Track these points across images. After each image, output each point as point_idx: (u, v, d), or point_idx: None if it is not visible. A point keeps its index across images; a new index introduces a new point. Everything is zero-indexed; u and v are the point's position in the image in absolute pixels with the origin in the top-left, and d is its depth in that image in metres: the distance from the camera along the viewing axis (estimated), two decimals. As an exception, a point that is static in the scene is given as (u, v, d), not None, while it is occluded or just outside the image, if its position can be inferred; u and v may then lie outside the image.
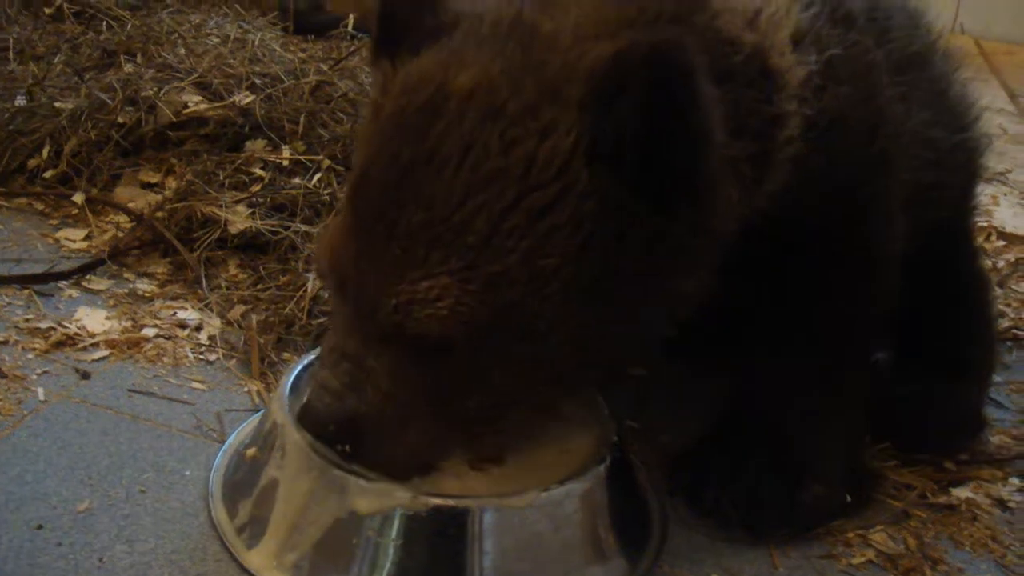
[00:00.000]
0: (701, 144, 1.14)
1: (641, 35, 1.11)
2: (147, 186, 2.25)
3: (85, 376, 1.69)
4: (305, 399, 1.30)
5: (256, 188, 2.13)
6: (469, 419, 1.28)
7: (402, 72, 1.23)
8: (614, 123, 1.11)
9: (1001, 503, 1.60)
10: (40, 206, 2.22)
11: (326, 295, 1.92)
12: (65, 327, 1.80)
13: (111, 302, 1.90)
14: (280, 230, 2.03)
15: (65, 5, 2.98)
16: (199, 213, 2.05)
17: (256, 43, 2.58)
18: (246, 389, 1.71)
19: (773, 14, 1.26)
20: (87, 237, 2.12)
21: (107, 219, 2.18)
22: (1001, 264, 2.40)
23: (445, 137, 1.15)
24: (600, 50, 1.14)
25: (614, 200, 1.15)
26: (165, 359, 1.76)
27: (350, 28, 3.07)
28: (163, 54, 2.51)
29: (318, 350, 1.54)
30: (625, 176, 1.14)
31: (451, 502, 1.27)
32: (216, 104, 2.31)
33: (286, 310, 1.87)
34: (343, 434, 1.26)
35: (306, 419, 1.28)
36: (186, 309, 1.89)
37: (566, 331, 1.20)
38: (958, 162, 1.66)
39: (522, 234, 1.15)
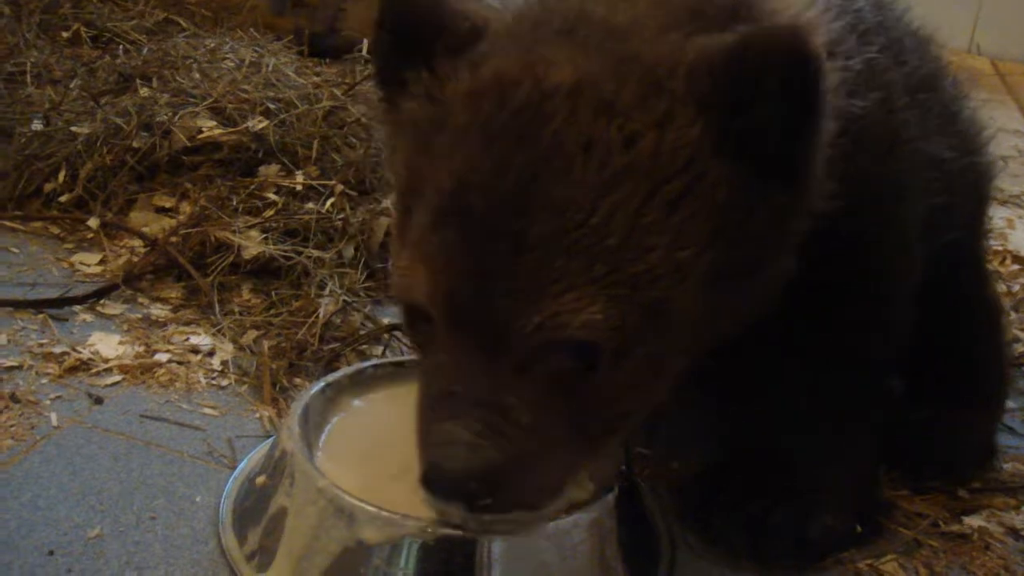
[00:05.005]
0: (821, 127, 1.17)
1: (761, 28, 1.13)
2: (161, 211, 2.26)
3: (98, 401, 1.70)
4: (428, 461, 1.18)
5: (269, 213, 2.14)
6: (599, 433, 1.24)
7: (463, 79, 1.18)
8: (744, 114, 1.11)
9: (1014, 532, 1.59)
10: (55, 230, 2.23)
11: (339, 321, 1.93)
12: (79, 352, 1.81)
13: (125, 327, 1.91)
14: (293, 255, 2.04)
15: (82, 29, 3.01)
16: (213, 238, 2.06)
17: (270, 68, 2.59)
18: (257, 415, 1.71)
19: (808, 22, 1.26)
20: (101, 261, 2.13)
21: (121, 243, 2.19)
22: (1016, 288, 2.38)
23: (561, 137, 1.11)
24: (700, 43, 1.13)
25: (742, 185, 1.15)
26: (177, 384, 1.77)
27: (364, 52, 3.09)
28: (178, 78, 2.52)
29: (329, 377, 1.55)
30: (754, 162, 1.14)
31: (459, 531, 1.27)
32: (230, 129, 2.32)
33: (298, 336, 1.88)
34: (485, 489, 1.16)
35: (439, 483, 1.17)
36: (199, 334, 1.90)
37: (694, 319, 1.18)
38: (968, 184, 1.65)
39: (660, 228, 1.12)
